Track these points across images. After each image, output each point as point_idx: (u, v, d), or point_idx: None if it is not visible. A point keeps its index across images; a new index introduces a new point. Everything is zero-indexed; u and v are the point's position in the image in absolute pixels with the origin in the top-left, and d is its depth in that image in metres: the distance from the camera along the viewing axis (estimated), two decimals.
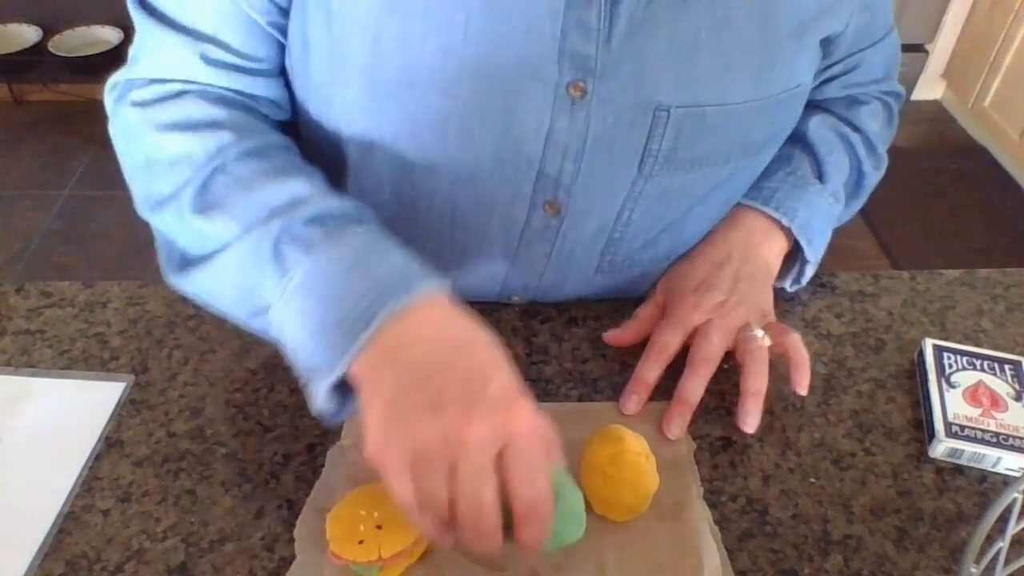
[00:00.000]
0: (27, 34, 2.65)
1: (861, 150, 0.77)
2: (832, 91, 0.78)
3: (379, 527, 0.52)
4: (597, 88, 0.59)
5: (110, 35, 2.65)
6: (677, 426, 0.63)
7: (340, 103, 0.62)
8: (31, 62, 2.64)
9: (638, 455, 0.56)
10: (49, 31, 2.65)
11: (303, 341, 0.51)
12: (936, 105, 2.89)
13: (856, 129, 0.78)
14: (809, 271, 0.75)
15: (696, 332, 0.67)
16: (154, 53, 0.63)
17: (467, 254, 0.70)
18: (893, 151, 0.80)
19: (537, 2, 0.56)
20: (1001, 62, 2.55)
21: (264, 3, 0.61)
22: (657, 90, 0.59)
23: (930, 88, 2.87)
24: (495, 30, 0.56)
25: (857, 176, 0.78)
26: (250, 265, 0.54)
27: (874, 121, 0.79)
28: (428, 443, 0.44)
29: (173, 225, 0.59)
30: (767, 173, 0.75)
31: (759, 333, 0.66)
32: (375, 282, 0.50)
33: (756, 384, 0.65)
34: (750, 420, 0.64)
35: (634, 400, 0.65)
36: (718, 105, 0.61)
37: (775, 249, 0.74)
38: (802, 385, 0.66)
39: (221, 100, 0.62)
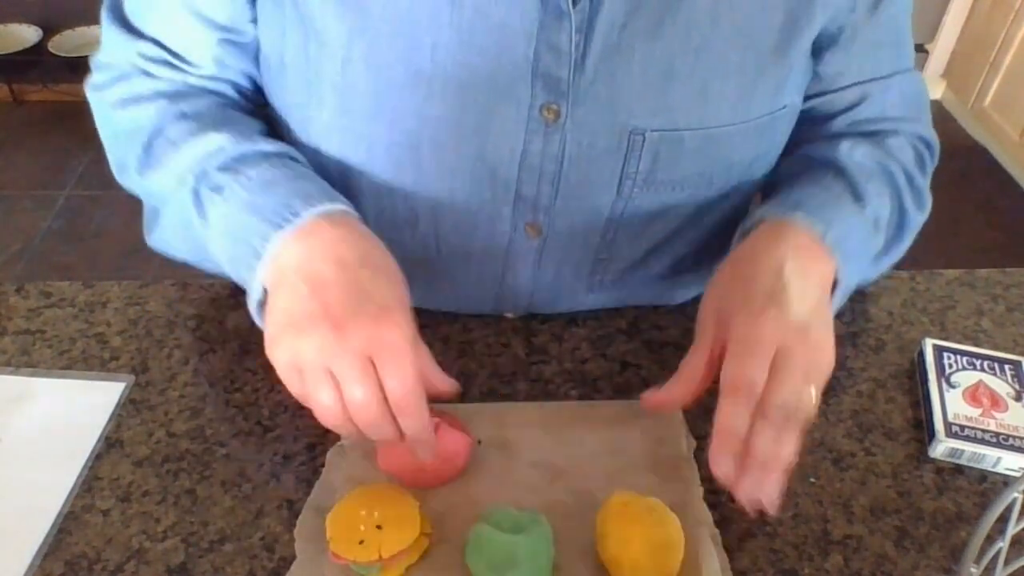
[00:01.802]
0: (27, 34, 2.65)
1: (901, 180, 0.66)
2: (839, 128, 0.68)
3: (379, 527, 0.52)
4: (571, 112, 0.59)
5: None
6: (759, 486, 0.50)
7: (316, 124, 0.63)
8: (31, 62, 2.64)
9: (657, 504, 0.54)
10: (49, 31, 2.65)
11: (229, 271, 0.59)
12: (936, 105, 2.90)
13: (891, 157, 0.66)
14: (838, 298, 0.59)
15: (774, 364, 0.51)
16: (107, 46, 0.67)
17: (455, 278, 0.70)
18: None
19: (509, 24, 0.56)
20: (1001, 62, 2.55)
21: (216, 29, 0.63)
22: (631, 115, 0.59)
23: (930, 88, 2.84)
24: (465, 52, 0.56)
25: (900, 214, 0.67)
26: (184, 214, 0.60)
27: (903, 153, 0.67)
28: (308, 350, 0.51)
29: (136, 188, 0.67)
30: (793, 186, 0.63)
31: (813, 391, 0.52)
32: (263, 216, 0.55)
33: (789, 450, 0.51)
34: (766, 495, 0.51)
35: (729, 461, 0.51)
36: (695, 129, 0.60)
37: (827, 273, 0.57)
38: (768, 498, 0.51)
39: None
